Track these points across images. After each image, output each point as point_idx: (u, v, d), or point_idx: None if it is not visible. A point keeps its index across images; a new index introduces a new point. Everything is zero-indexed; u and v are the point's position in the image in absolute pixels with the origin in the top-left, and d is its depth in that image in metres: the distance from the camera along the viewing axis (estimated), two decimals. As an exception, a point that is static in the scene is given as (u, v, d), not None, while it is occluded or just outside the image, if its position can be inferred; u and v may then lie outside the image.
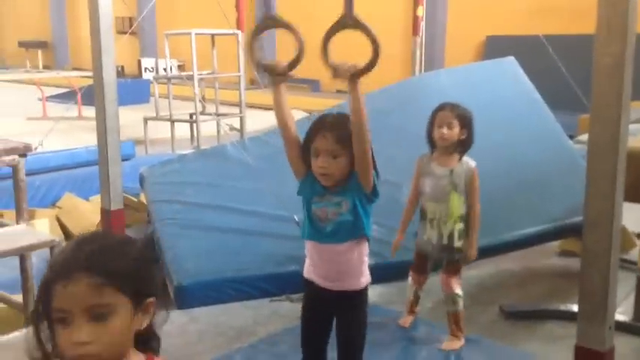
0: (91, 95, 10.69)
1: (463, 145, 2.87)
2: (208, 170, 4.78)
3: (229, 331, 3.52)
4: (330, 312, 2.18)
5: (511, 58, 5.49)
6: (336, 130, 2.00)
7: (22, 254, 2.82)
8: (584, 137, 8.11)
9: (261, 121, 9.37)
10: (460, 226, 2.86)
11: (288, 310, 3.78)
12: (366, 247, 2.13)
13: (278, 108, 2.08)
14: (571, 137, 8.01)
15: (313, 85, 16.24)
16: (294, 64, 2.02)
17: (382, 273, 3.56)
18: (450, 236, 2.88)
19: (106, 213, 2.36)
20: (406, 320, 3.22)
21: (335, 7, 2.02)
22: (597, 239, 1.29)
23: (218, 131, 8.67)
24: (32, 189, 5.99)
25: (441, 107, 2.89)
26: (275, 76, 2.04)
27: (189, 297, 3.76)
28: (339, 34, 1.95)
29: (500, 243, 4.06)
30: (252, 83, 15.08)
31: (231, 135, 8.48)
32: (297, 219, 4.16)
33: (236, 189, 4.55)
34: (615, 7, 1.12)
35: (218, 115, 8.76)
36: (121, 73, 16.83)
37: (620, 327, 3.50)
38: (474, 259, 2.91)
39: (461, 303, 2.98)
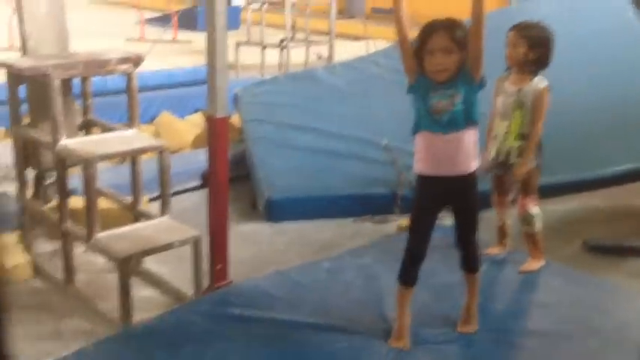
0: (187, 19, 10.89)
1: (534, 65, 2.87)
2: (299, 92, 4.93)
3: (314, 244, 3.71)
4: (443, 200, 2.39)
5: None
6: (450, 29, 2.19)
7: (134, 156, 3.07)
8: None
9: (349, 50, 9.35)
10: (519, 143, 2.88)
11: (371, 230, 3.92)
12: (476, 133, 2.31)
13: (397, 20, 2.24)
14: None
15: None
16: None
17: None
18: (508, 153, 2.91)
19: (211, 120, 2.53)
20: (492, 249, 3.18)
21: None
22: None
23: (306, 58, 8.73)
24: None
25: (511, 28, 2.91)
26: None
27: (278, 211, 4.00)
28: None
29: (593, 177, 4.02)
30: (341, 13, 14.92)
31: (318, 64, 8.52)
32: (384, 143, 4.26)
33: (325, 111, 4.68)
34: None
35: (308, 42, 8.80)
36: None
37: None
38: (519, 178, 2.90)
39: (537, 223, 3.00)
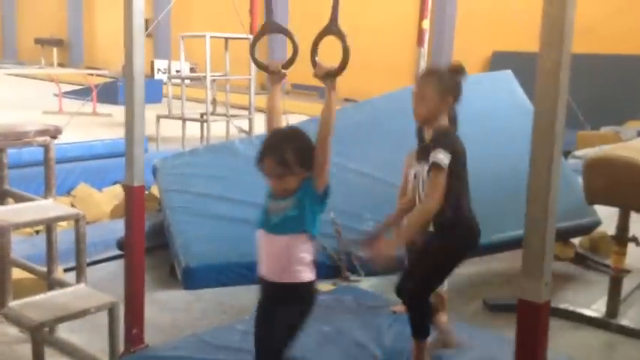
0: (107, 92, 10.96)
1: None
2: (218, 163, 5.09)
3: (231, 310, 3.81)
4: (273, 306, 2.25)
5: (508, 72, 5.78)
6: (277, 153, 2.12)
7: (50, 225, 3.12)
8: (581, 152, 8.39)
9: (269, 124, 9.68)
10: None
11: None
12: (306, 244, 2.19)
13: (270, 105, 2.31)
14: (569, 152, 8.34)
15: (320, 92, 16.58)
16: (288, 64, 2.32)
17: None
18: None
19: (129, 188, 2.67)
20: (397, 307, 3.30)
21: (342, 12, 2.26)
22: (537, 210, 1.59)
23: (227, 132, 8.98)
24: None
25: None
26: (271, 74, 2.33)
27: (195, 278, 4.08)
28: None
29: (490, 243, 4.34)
30: (263, 88, 15.42)
31: (239, 137, 8.79)
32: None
33: (243, 182, 4.85)
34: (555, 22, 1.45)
35: (228, 116, 9.08)
36: (134, 73, 17.18)
37: (593, 322, 3.79)
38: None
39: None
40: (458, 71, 2.60)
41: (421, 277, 2.63)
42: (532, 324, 1.70)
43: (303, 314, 2.22)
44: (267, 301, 2.28)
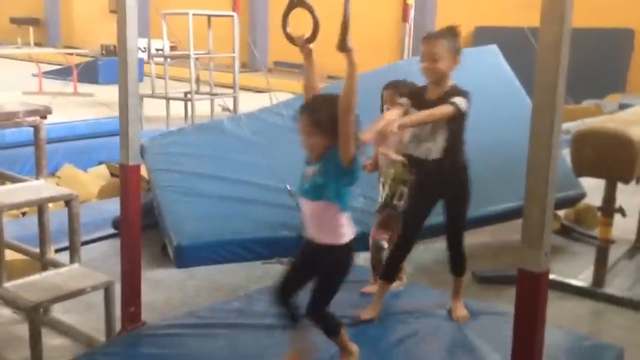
0: (87, 72, 10.80)
1: None
2: (205, 142, 5.07)
3: (224, 288, 3.83)
4: (310, 262, 2.38)
5: (493, 47, 5.80)
6: (312, 113, 2.25)
7: (41, 206, 3.10)
8: (564, 126, 8.48)
9: (252, 102, 9.64)
10: (402, 188, 3.15)
11: (279, 272, 4.06)
12: (335, 212, 2.29)
13: (306, 80, 2.46)
14: (551, 126, 8.41)
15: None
16: (310, 38, 2.42)
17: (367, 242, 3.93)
18: (393, 196, 3.16)
19: (124, 168, 2.66)
20: (369, 288, 3.34)
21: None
22: (537, 181, 1.62)
23: (212, 110, 8.93)
24: (33, 158, 6.27)
25: (386, 86, 3.21)
26: (299, 47, 2.45)
27: (187, 257, 4.08)
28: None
29: (480, 216, 4.40)
30: (244, 66, 15.30)
31: (223, 115, 8.74)
32: (289, 188, 4.48)
33: (231, 160, 4.84)
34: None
35: (212, 94, 9.02)
36: (113, 52, 16.94)
37: (580, 292, 3.88)
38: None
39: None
40: (457, 33, 2.82)
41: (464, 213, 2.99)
42: (532, 293, 1.74)
43: (338, 274, 2.36)
44: (307, 257, 2.41)
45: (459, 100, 2.70)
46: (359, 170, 2.28)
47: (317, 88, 2.46)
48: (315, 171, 2.28)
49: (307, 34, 2.41)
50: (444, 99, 2.73)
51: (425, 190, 2.94)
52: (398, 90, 3.13)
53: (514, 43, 7.68)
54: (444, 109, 2.68)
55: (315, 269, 2.36)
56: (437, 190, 2.94)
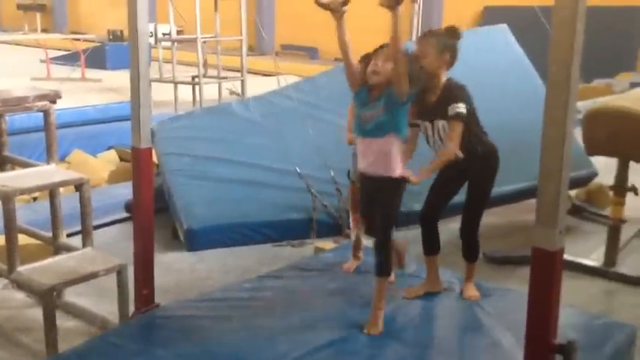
0: (94, 58, 10.76)
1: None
2: (215, 126, 5.07)
3: (235, 270, 3.84)
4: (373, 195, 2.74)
5: (503, 26, 5.74)
6: (381, 52, 2.65)
7: (53, 190, 3.12)
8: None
9: (260, 85, 9.61)
10: None
11: (289, 254, 4.10)
12: (396, 144, 2.64)
13: (340, 39, 2.60)
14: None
15: (311, 53, 16.42)
16: (345, 1, 2.53)
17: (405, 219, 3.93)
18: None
19: (136, 151, 2.66)
20: (350, 266, 3.38)
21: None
22: (552, 159, 1.60)
23: (220, 94, 8.90)
24: (42, 144, 6.30)
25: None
26: (333, 12, 2.56)
27: (198, 240, 4.11)
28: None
29: (490, 197, 4.37)
30: (252, 50, 15.24)
31: (231, 99, 8.72)
32: (298, 170, 4.48)
33: (241, 143, 4.84)
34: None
35: (220, 78, 8.98)
36: (120, 37, 16.90)
37: (592, 271, 3.87)
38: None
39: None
40: (453, 33, 2.88)
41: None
42: (546, 271, 1.73)
43: (398, 198, 2.74)
44: (368, 192, 2.80)
45: (458, 108, 2.78)
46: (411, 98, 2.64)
47: (351, 46, 2.62)
48: (375, 111, 2.60)
49: None
50: (442, 102, 2.83)
51: (449, 172, 2.95)
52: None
53: (524, 23, 7.58)
54: (457, 129, 2.78)
55: (378, 200, 2.70)
56: (461, 173, 2.97)
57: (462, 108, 2.77)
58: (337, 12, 2.56)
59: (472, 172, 2.96)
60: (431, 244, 3.10)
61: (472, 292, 3.07)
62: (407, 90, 2.58)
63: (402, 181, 2.70)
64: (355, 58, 2.73)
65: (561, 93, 1.53)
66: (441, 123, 2.85)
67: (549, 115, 1.57)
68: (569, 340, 1.90)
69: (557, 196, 1.60)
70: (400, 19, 2.45)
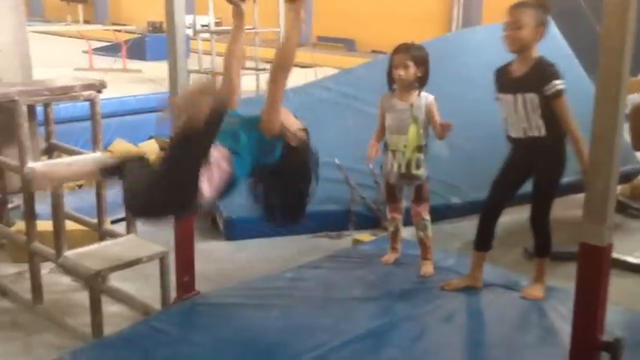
0: (134, 49, 10.91)
1: (420, 82, 3.15)
2: (255, 117, 5.09)
3: (275, 259, 3.87)
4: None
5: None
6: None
7: (98, 180, 3.18)
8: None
9: (297, 77, 9.61)
10: (418, 155, 3.14)
11: (327, 245, 4.10)
12: None
13: (229, 46, 2.48)
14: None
15: (349, 45, 16.35)
16: None
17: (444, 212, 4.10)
18: (408, 165, 3.16)
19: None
20: (389, 258, 3.40)
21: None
22: (602, 152, 1.57)
23: (257, 86, 8.95)
24: (86, 133, 6.43)
25: (397, 50, 3.17)
26: (233, 3, 2.45)
27: (237, 229, 4.15)
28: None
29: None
30: (289, 41, 15.23)
31: (269, 90, 8.75)
32: (337, 162, 4.48)
33: (281, 134, 4.86)
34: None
35: (258, 70, 9.03)
36: (159, 29, 17.11)
37: (637, 269, 3.78)
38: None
39: (430, 229, 3.27)
40: (546, 7, 2.77)
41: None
42: (595, 267, 1.70)
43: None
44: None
45: (559, 85, 2.68)
46: None
47: (243, 52, 2.49)
48: None
49: None
50: (530, 77, 2.72)
51: (517, 161, 2.92)
52: (410, 54, 3.10)
53: (566, 13, 7.41)
54: (564, 106, 2.69)
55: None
56: (529, 161, 2.90)
57: (561, 85, 2.68)
58: (236, 6, 2.41)
59: (540, 160, 2.87)
60: (486, 241, 3.05)
61: (536, 292, 2.98)
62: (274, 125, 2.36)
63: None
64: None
65: (612, 83, 1.50)
66: (529, 96, 2.73)
67: (599, 106, 1.54)
68: (616, 338, 1.87)
69: (607, 190, 1.57)
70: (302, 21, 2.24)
